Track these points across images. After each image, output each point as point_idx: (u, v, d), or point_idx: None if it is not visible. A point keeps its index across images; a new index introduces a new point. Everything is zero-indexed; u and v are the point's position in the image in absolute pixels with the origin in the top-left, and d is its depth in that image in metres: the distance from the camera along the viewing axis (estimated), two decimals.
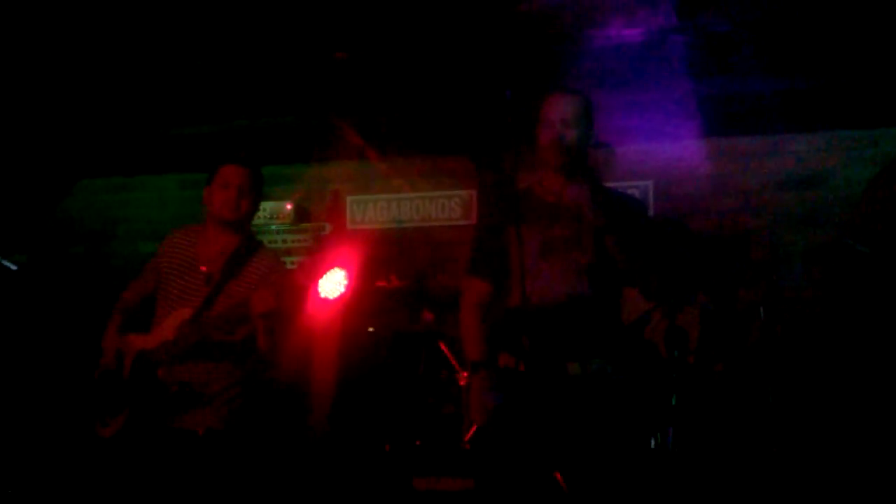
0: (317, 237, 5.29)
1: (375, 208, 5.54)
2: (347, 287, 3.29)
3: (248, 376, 3.20)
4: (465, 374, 3.81)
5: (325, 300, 3.37)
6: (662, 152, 4.94)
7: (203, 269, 3.24)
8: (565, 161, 2.76)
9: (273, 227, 5.39)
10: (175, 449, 3.05)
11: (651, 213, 4.89)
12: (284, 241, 5.41)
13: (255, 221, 4.71)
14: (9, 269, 3.82)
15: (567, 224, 2.81)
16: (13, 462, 3.95)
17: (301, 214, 5.40)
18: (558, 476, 2.67)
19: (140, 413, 3.08)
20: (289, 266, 4.78)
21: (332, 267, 3.24)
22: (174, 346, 3.10)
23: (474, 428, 3.75)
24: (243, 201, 3.19)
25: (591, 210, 2.75)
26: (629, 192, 4.28)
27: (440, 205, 5.44)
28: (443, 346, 4.13)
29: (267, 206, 5.24)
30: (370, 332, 4.73)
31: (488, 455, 2.87)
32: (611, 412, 2.72)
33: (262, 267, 3.23)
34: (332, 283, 3.34)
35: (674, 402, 3.85)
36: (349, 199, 5.49)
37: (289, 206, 5.34)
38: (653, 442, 3.83)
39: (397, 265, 5.01)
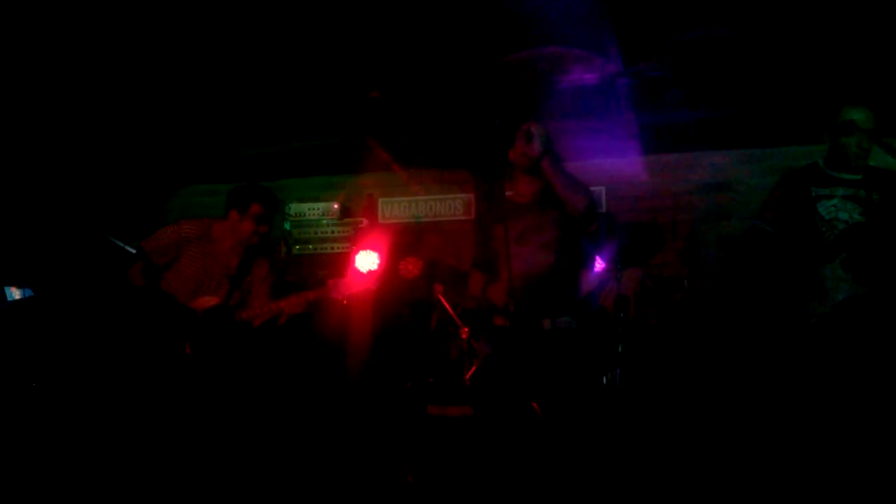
0: (356, 229, 5.58)
1: (399, 207, 5.99)
2: (378, 264, 3.71)
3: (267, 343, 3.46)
4: (465, 329, 4.12)
5: (362, 274, 3.76)
6: (613, 165, 5.39)
7: (225, 266, 3.52)
8: (531, 166, 3.09)
9: (324, 221, 5.63)
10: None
11: (604, 210, 5.37)
12: (333, 232, 5.62)
13: (311, 217, 5.55)
14: (130, 252, 3.97)
15: (533, 215, 3.11)
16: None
17: (345, 212, 5.71)
18: (535, 405, 2.93)
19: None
20: (335, 252, 5.41)
21: (367, 249, 3.83)
22: (203, 325, 3.38)
23: (473, 369, 3.94)
24: (268, 232, 3.64)
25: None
26: None
27: (447, 205, 5.89)
28: (449, 309, 4.30)
29: (320, 206, 5.64)
30: (396, 299, 4.98)
31: (484, 390, 3.12)
32: (573, 357, 2.98)
33: (263, 269, 3.68)
34: (368, 262, 3.85)
35: (620, 350, 3.80)
36: (380, 200, 5.97)
37: (336, 206, 5.64)
38: (604, 379, 3.76)
39: (415, 250, 5.19)
